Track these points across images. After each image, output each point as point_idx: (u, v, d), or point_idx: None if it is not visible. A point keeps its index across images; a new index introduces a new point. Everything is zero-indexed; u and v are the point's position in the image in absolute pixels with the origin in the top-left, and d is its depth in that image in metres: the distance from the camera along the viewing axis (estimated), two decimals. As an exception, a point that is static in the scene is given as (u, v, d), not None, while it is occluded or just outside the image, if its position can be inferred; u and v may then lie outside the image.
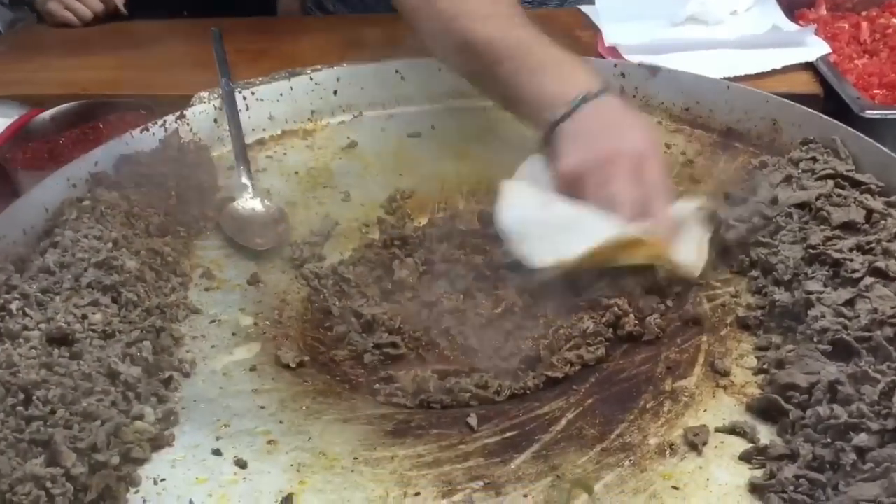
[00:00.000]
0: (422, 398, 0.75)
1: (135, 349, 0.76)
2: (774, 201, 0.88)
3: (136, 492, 0.67)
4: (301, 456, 0.71)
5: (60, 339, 0.74)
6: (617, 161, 0.87)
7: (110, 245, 0.85)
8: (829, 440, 0.65)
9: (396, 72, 1.17)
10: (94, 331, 0.76)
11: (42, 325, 0.75)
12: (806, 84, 1.20)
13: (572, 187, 0.89)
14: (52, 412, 0.67)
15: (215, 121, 1.09)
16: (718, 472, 0.67)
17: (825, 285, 0.78)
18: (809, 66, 1.23)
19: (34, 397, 0.68)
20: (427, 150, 1.10)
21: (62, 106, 1.18)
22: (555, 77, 0.93)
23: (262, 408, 0.75)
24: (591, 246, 0.81)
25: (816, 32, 1.29)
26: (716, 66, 1.21)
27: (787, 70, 1.22)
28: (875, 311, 0.73)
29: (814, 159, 0.94)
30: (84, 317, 0.77)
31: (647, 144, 0.90)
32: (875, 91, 1.17)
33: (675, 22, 1.41)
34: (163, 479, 0.68)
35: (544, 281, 0.84)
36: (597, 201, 0.86)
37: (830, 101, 1.15)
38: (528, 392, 0.76)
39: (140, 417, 0.72)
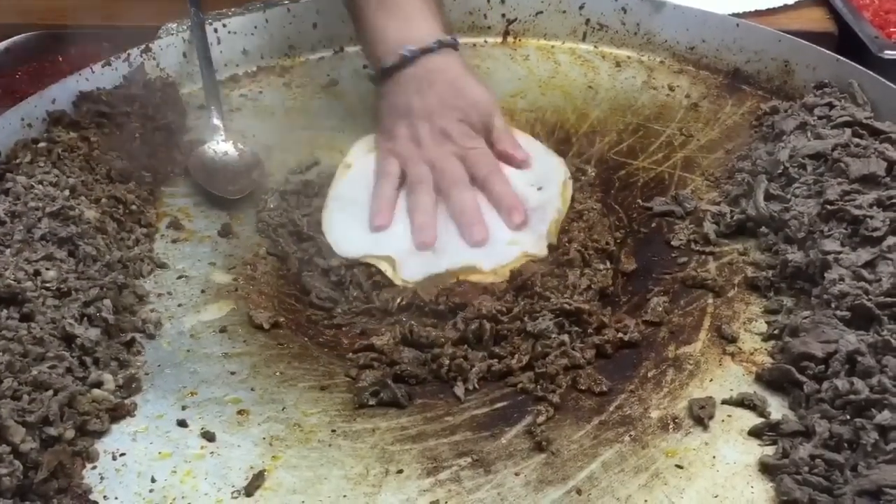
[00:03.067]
0: (396, 371, 0.69)
1: (93, 309, 0.70)
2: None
3: (93, 468, 0.62)
4: (274, 428, 0.65)
5: (9, 299, 0.68)
6: (439, 132, 0.84)
7: (67, 192, 0.79)
8: (847, 417, 0.60)
9: (381, 3, 1.09)
10: (47, 289, 0.70)
11: (-11, 283, 0.68)
12: (819, 21, 1.13)
13: (390, 148, 0.85)
14: (-1, 381, 0.61)
15: (184, 55, 1.02)
16: (726, 450, 0.62)
17: (843, 244, 0.73)
18: (823, 1, 1.15)
19: (-23, 365, 0.62)
20: (413, 90, 1.02)
21: (17, 37, 1.10)
22: (400, 20, 0.87)
23: (233, 373, 0.70)
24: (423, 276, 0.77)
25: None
26: (724, 0, 1.13)
27: (799, 6, 1.15)
28: (898, 274, 0.68)
29: (829, 105, 0.88)
30: (36, 273, 0.71)
31: (483, 110, 0.86)
32: (892, 29, 1.10)
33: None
34: (122, 454, 0.63)
35: None
36: (411, 176, 0.83)
37: (846, 40, 1.08)
38: (511, 371, 0.70)
39: (98, 385, 0.66)
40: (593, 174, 0.89)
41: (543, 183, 0.85)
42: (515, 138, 0.87)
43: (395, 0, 0.88)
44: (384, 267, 0.78)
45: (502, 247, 0.79)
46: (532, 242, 0.80)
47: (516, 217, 0.80)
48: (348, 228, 0.82)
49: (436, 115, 0.84)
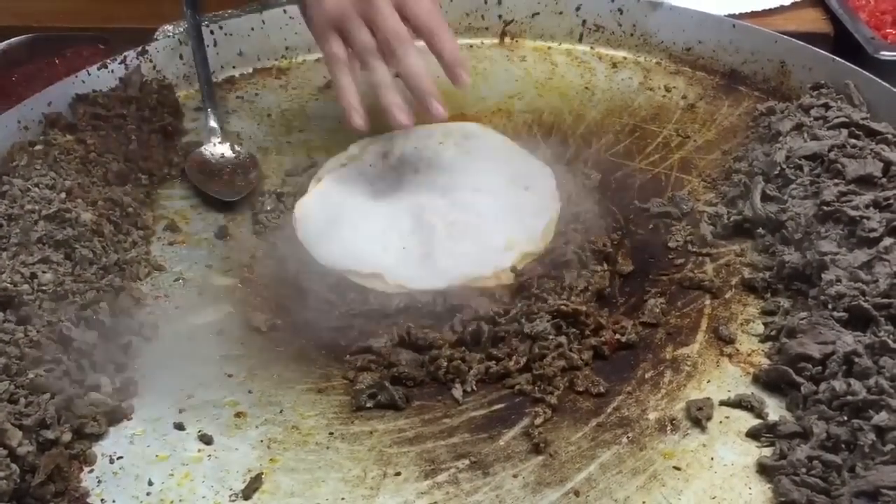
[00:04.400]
0: (393, 373, 0.69)
1: (90, 311, 0.70)
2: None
3: (91, 471, 0.62)
4: (272, 430, 0.65)
5: (6, 302, 0.68)
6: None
7: (64, 195, 0.79)
8: (844, 418, 0.60)
9: (377, 5, 1.09)
10: (44, 291, 0.70)
11: (-15, 286, 0.68)
12: (815, 22, 1.13)
13: (328, 35, 0.81)
14: (-5, 385, 0.61)
15: (181, 57, 1.02)
16: (723, 451, 0.62)
17: (840, 245, 0.73)
18: (819, 2, 1.15)
19: (-26, 368, 0.62)
20: (410, 91, 1.03)
21: (13, 39, 1.09)
22: None
23: (230, 376, 0.70)
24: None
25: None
26: (720, 1, 1.13)
27: (795, 6, 1.15)
28: (895, 274, 0.68)
29: (826, 106, 0.88)
30: (33, 276, 0.71)
31: None
32: (888, 30, 1.10)
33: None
34: (120, 457, 0.63)
35: None
36: (356, 44, 0.80)
37: (842, 41, 1.08)
38: (509, 373, 0.69)
39: (95, 388, 0.66)
40: (598, 179, 0.89)
41: (529, 183, 0.85)
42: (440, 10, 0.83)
43: None
44: (372, 284, 0.76)
45: (499, 254, 0.78)
46: (527, 241, 0.79)
47: (463, 75, 0.79)
48: (325, 243, 0.80)
49: None
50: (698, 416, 0.64)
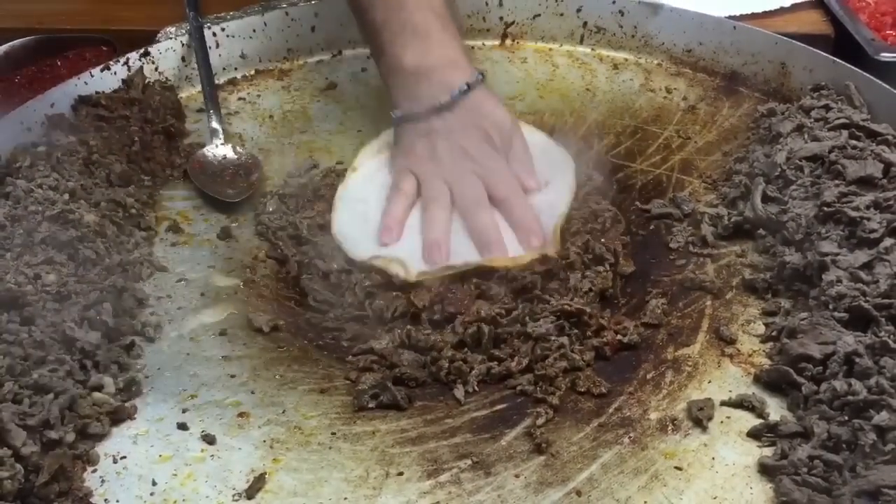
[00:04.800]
0: (396, 374, 0.69)
1: (93, 312, 0.70)
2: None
3: (94, 471, 0.62)
4: (274, 430, 0.65)
5: (9, 302, 0.68)
6: (459, 150, 0.82)
7: (67, 196, 0.79)
8: (845, 418, 0.61)
9: (379, 7, 1.09)
10: (47, 292, 0.70)
11: (-11, 287, 0.68)
12: (816, 24, 1.13)
13: (407, 165, 0.85)
14: (-1, 385, 0.61)
15: (183, 59, 1.02)
16: (725, 451, 0.63)
17: (840, 246, 0.73)
18: (819, 4, 1.16)
19: (-22, 369, 0.62)
20: (411, 93, 1.03)
21: (16, 41, 1.10)
22: (419, 51, 0.86)
23: (233, 376, 0.70)
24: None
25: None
26: (720, 3, 1.14)
27: (795, 8, 1.15)
28: (895, 275, 0.68)
29: (826, 107, 0.88)
30: (37, 276, 0.71)
31: (504, 130, 0.85)
32: (888, 32, 1.10)
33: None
34: (123, 457, 0.63)
35: None
36: (426, 192, 0.82)
37: (842, 43, 1.08)
38: (511, 374, 0.70)
39: (98, 388, 0.66)
40: (600, 180, 0.89)
41: (550, 177, 0.86)
42: (532, 163, 0.86)
43: (413, 26, 0.86)
44: (395, 269, 0.77)
45: (515, 244, 0.79)
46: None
47: (534, 241, 0.79)
48: (356, 231, 0.82)
49: (456, 133, 0.83)
50: (699, 417, 0.64)
